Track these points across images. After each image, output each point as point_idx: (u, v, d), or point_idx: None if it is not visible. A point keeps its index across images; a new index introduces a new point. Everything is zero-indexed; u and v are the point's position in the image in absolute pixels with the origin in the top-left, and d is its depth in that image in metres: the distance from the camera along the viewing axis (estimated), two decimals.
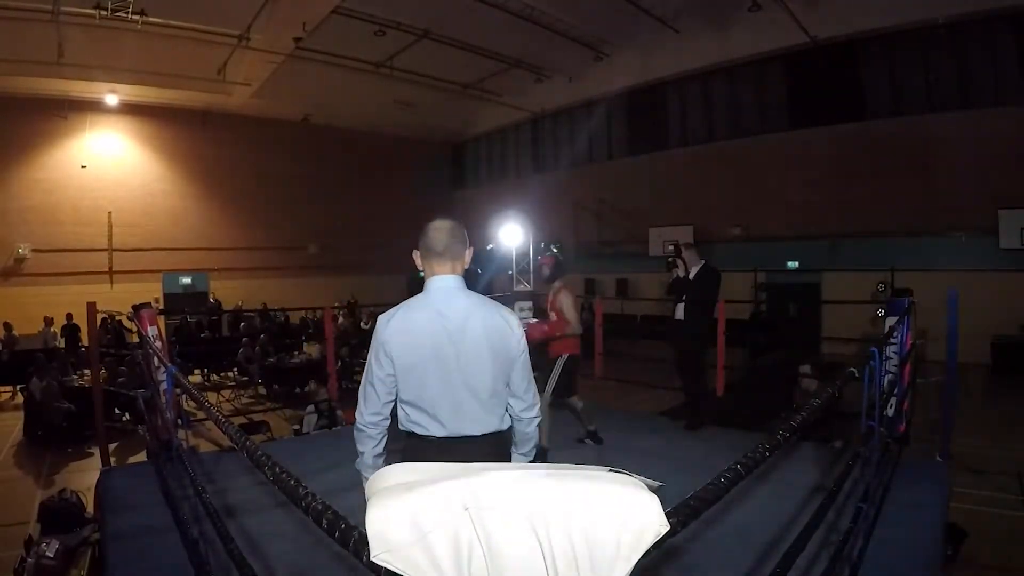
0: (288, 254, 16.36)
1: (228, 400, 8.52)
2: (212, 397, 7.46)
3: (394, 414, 1.75)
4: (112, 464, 4.32)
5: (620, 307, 13.76)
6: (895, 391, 3.45)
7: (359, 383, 1.76)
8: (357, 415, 1.74)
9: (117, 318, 9.90)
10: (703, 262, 4.97)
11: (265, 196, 16.22)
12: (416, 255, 1.74)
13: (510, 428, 1.79)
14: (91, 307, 4.22)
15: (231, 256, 15.54)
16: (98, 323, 5.15)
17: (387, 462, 1.76)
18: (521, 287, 7.93)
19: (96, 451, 4.93)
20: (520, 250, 7.89)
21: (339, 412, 5.97)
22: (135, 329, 4.61)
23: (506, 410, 1.76)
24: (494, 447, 1.70)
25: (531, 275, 7.85)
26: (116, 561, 2.88)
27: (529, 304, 7.65)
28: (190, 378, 9.14)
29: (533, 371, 1.82)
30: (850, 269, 10.97)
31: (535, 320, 4.18)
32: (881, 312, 4.24)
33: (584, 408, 4.49)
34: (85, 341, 8.04)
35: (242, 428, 2.36)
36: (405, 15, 11.32)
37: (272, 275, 15.74)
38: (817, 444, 4.48)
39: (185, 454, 2.75)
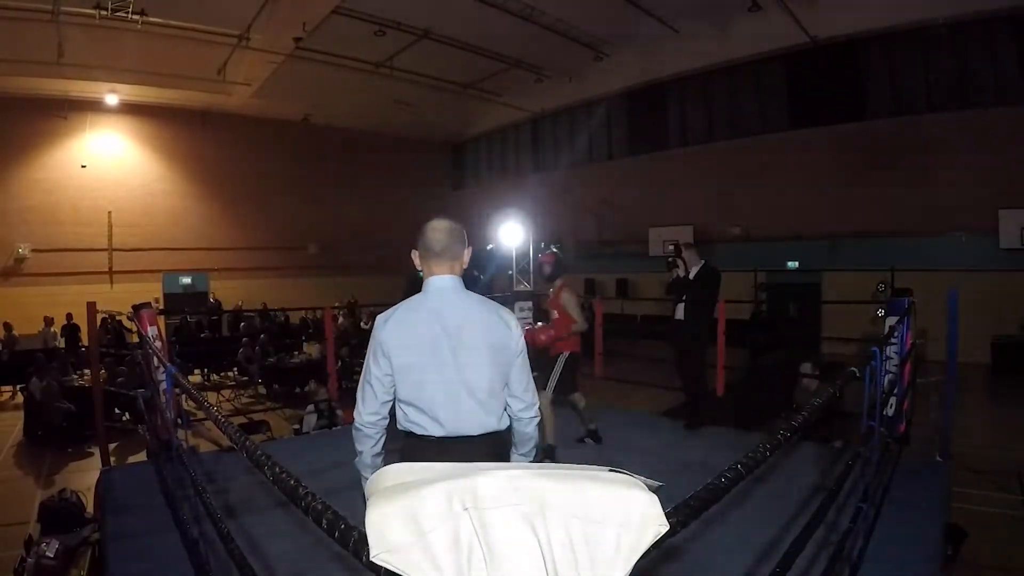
0: (288, 254, 16.37)
1: (228, 400, 8.52)
2: (212, 397, 7.46)
3: (393, 414, 1.75)
4: (112, 464, 4.33)
5: (620, 307, 13.76)
6: (895, 391, 3.45)
7: (359, 383, 1.76)
8: (355, 414, 1.75)
9: (117, 318, 9.90)
10: (703, 262, 4.97)
11: (265, 196, 16.23)
12: (415, 255, 1.74)
13: (509, 428, 1.79)
14: (91, 307, 4.22)
15: (231, 256, 15.54)
16: (98, 323, 5.15)
17: (386, 462, 1.76)
18: (521, 287, 7.93)
19: (96, 451, 4.93)
20: (520, 250, 7.89)
21: (339, 412, 5.97)
22: (135, 329, 4.61)
23: (505, 410, 1.76)
24: (492, 447, 1.70)
25: (531, 275, 7.85)
26: (116, 561, 2.88)
27: (529, 304, 7.64)
28: (190, 378, 9.14)
29: (532, 371, 1.82)
30: (850, 269, 10.96)
31: (540, 325, 4.18)
32: (881, 312, 4.23)
33: (585, 407, 4.50)
34: (85, 341, 8.04)
35: (242, 428, 2.36)
36: (405, 15, 11.31)
37: (272, 275, 15.75)
38: (817, 444, 4.48)
39: (185, 454, 2.75)
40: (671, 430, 5.06)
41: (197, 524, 2.48)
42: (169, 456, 3.23)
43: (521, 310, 7.47)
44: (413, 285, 1.77)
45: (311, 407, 6.22)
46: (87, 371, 7.39)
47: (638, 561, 0.72)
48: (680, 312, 4.97)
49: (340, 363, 8.01)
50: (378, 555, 0.70)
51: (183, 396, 4.58)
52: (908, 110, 11.07)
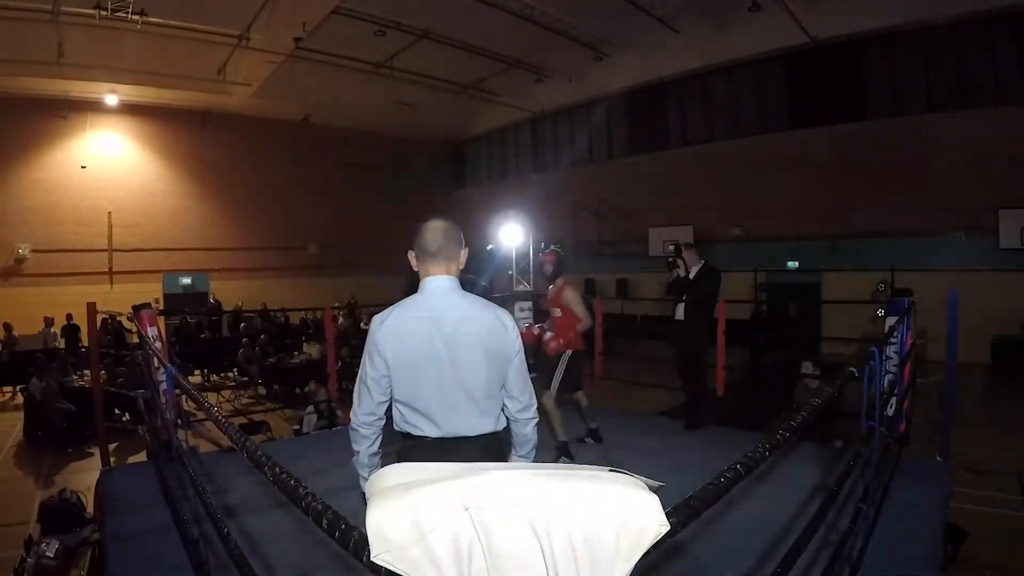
0: (288, 254, 16.36)
1: (228, 400, 8.53)
2: (212, 397, 7.47)
3: (389, 415, 1.75)
4: (112, 464, 4.32)
5: (620, 307, 13.76)
6: (895, 391, 3.45)
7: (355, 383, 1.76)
8: (352, 415, 1.75)
9: (117, 318, 9.90)
10: (703, 262, 4.97)
11: (265, 196, 16.23)
12: (411, 256, 1.73)
13: (506, 429, 1.78)
14: (91, 307, 4.22)
15: (231, 256, 15.54)
16: (98, 323, 5.15)
17: (383, 463, 1.76)
18: (521, 287, 7.94)
19: (96, 451, 4.93)
20: (520, 250, 7.90)
21: (339, 412, 5.97)
22: (135, 329, 4.61)
23: (502, 411, 1.75)
24: (489, 448, 1.69)
25: (531, 275, 7.85)
26: (116, 561, 2.88)
27: (529, 304, 7.65)
28: (190, 378, 9.14)
29: (530, 372, 1.81)
30: (850, 269, 10.96)
31: (548, 335, 4.17)
32: (881, 312, 4.23)
33: (588, 405, 4.50)
34: (85, 341, 8.05)
35: (242, 428, 2.36)
36: (405, 15, 11.31)
37: (272, 275, 15.74)
38: (817, 444, 4.48)
39: (185, 454, 2.75)
40: (671, 430, 5.05)
41: (197, 524, 2.47)
42: (169, 456, 3.23)
43: (521, 310, 7.48)
44: (413, 285, 1.77)
45: (311, 407, 6.23)
46: (87, 371, 7.39)
47: (638, 561, 0.72)
48: (680, 312, 4.97)
49: (340, 363, 8.00)
50: (378, 555, 0.70)
51: (183, 396, 4.58)
52: (908, 110, 11.07)
